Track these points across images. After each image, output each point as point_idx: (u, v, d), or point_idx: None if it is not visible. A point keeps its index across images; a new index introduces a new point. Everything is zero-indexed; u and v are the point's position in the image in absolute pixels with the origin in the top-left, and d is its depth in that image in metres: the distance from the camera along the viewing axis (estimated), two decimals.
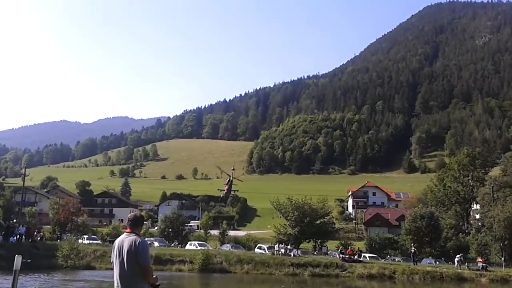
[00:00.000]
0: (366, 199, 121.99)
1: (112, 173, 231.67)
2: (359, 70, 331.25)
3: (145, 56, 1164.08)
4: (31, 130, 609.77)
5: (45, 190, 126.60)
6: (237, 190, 28.81)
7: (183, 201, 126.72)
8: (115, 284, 5.94)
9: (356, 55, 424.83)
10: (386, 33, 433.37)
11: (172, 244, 62.70)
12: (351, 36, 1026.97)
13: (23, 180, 64.54)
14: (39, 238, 53.66)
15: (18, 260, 13.43)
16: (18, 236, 48.05)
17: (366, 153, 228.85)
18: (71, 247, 44.04)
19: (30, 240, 48.36)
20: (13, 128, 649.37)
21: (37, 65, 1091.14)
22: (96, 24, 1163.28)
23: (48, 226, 66.29)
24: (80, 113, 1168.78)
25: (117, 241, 6.09)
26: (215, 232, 75.02)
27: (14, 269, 13.37)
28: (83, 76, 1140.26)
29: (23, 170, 75.32)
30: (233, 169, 33.74)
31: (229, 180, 25.53)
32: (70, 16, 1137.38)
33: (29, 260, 29.64)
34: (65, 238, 56.82)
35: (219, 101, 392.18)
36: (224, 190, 26.18)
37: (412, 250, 49.17)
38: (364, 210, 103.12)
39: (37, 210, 74.57)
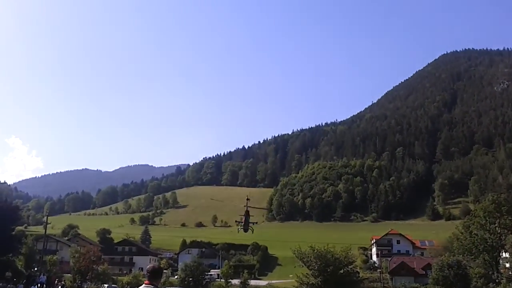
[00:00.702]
0: (390, 247, 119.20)
1: (133, 220, 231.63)
2: (377, 117, 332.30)
3: (165, 105, 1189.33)
4: (53, 179, 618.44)
5: (66, 238, 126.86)
6: (256, 222, 28.26)
7: (203, 249, 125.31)
8: None
9: (373, 102, 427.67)
10: (403, 80, 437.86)
11: None
12: (368, 84, 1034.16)
13: (45, 228, 64.72)
14: (60, 287, 53.47)
15: None
16: (39, 285, 47.96)
17: (388, 200, 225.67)
18: None
19: None
20: (35, 177, 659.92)
21: (58, 114, 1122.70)
22: (114, 75, 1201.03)
23: (69, 274, 66.02)
24: (101, 161, 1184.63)
25: None
26: (235, 281, 73.75)
27: None
28: (103, 125, 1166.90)
29: (45, 218, 75.99)
30: (248, 199, 33.46)
31: (245, 212, 24.93)
32: (91, 68, 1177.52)
33: None
34: (85, 286, 56.54)
35: (238, 148, 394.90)
36: (241, 222, 25.64)
37: None
38: (389, 259, 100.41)
39: (58, 259, 74.59)
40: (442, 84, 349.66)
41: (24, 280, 48.36)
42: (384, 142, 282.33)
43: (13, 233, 55.80)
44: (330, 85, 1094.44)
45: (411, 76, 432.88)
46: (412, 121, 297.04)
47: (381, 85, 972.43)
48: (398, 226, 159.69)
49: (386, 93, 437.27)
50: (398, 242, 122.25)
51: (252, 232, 28.14)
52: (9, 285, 43.52)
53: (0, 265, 49.89)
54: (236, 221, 26.92)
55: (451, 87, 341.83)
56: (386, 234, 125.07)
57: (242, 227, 26.13)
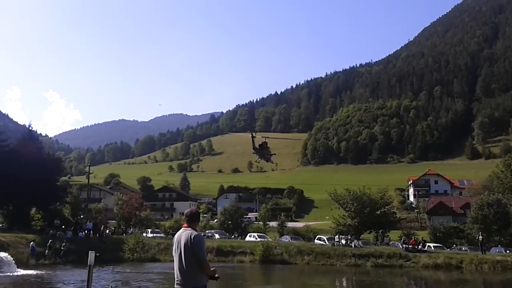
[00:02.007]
0: (427, 188, 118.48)
1: (171, 168, 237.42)
2: (414, 55, 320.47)
3: (197, 53, 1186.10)
4: (91, 130, 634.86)
5: (109, 186, 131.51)
6: (275, 154, 27.20)
7: (240, 194, 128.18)
8: (175, 276, 6.11)
9: (410, 40, 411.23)
10: (440, 16, 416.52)
11: (232, 236, 63.54)
12: (404, 21, 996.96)
13: (88, 178, 67.09)
14: (110, 232, 55.95)
15: (91, 255, 13.88)
16: (86, 231, 50.23)
17: (426, 140, 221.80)
18: (136, 240, 45.61)
19: (97, 235, 50.47)
20: (75, 129, 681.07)
21: (95, 67, 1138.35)
22: (148, 26, 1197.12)
23: (113, 221, 68.87)
24: (137, 111, 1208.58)
25: (176, 236, 6.27)
26: (273, 223, 75.37)
27: (88, 264, 13.81)
28: (138, 76, 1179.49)
29: (87, 168, 78.61)
30: (253, 136, 32.65)
31: (260, 145, 23.39)
32: (126, 20, 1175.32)
33: (97, 254, 30.78)
34: (129, 232, 58.94)
35: (271, 94, 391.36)
36: (258, 153, 24.32)
37: (480, 239, 47.25)
38: (426, 199, 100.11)
39: (103, 206, 77.66)
40: (482, 18, 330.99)
41: (72, 227, 50.66)
42: (421, 81, 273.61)
43: (58, 183, 57.91)
44: (363, 24, 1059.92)
45: (449, 11, 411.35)
46: (450, 58, 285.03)
47: (418, 21, 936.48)
48: (436, 166, 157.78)
49: (423, 29, 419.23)
50: (436, 182, 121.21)
51: (272, 162, 28.25)
52: (58, 232, 45.76)
53: (49, 213, 52.33)
54: (253, 152, 26.51)
55: (492, 21, 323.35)
56: (424, 175, 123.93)
57: (260, 158, 25.96)
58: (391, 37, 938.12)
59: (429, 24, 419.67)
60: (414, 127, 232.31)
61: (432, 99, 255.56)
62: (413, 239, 50.94)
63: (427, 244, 51.49)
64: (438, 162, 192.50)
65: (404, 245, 47.84)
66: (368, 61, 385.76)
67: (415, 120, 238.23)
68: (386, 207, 57.08)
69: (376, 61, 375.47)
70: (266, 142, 26.40)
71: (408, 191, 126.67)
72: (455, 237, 62.51)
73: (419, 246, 47.01)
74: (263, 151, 26.29)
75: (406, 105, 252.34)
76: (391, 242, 55.54)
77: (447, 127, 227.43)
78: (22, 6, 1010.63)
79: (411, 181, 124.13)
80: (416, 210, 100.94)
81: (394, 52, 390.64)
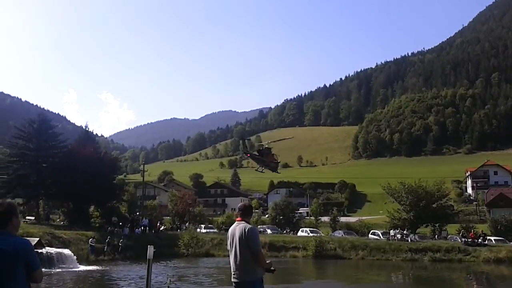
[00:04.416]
0: (486, 179, 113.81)
1: (222, 164, 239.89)
2: (469, 41, 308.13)
3: (244, 50, 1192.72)
4: (145, 129, 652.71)
5: (163, 184, 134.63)
6: (279, 161, 24.53)
7: (291, 189, 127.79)
8: (232, 269, 6.19)
9: (464, 26, 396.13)
10: None
11: (284, 231, 63.50)
12: (457, 6, 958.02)
13: (143, 176, 68.79)
14: (165, 228, 57.32)
15: (150, 250, 14.26)
16: (142, 228, 51.62)
17: (484, 129, 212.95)
18: (191, 236, 46.44)
19: (153, 231, 51.78)
20: (129, 129, 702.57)
21: (147, 69, 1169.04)
22: (198, 25, 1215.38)
23: (168, 217, 70.44)
24: (188, 110, 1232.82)
25: (230, 230, 6.37)
26: (325, 218, 74.70)
27: (147, 258, 14.20)
28: (188, 75, 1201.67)
29: (141, 166, 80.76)
30: (245, 140, 30.20)
31: (263, 150, 20.52)
32: (177, 19, 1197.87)
33: (154, 250, 31.42)
34: (184, 228, 60.14)
35: (319, 87, 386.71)
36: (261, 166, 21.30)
37: None
38: (485, 191, 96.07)
39: (159, 203, 79.64)
40: None
41: (129, 224, 52.18)
42: (478, 68, 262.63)
43: (115, 182, 59.86)
44: (415, 11, 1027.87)
45: None
46: (508, 43, 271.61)
47: (472, 6, 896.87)
48: (495, 156, 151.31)
49: (478, 14, 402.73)
50: (495, 173, 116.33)
51: (278, 172, 25.94)
52: (116, 229, 47.35)
53: (107, 211, 54.22)
54: (256, 169, 24.02)
55: None
56: (482, 166, 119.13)
57: (261, 166, 23.58)
58: (444, 23, 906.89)
59: (485, 8, 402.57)
60: (470, 116, 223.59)
61: (489, 87, 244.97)
62: (472, 233, 49.00)
63: (488, 237, 49.39)
64: (498, 152, 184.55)
65: (463, 239, 46.15)
66: (420, 50, 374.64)
67: (472, 109, 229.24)
68: (442, 199, 55.13)
69: (428, 49, 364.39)
70: (270, 148, 24.43)
71: (465, 183, 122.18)
72: None
73: (479, 240, 45.18)
74: (264, 158, 24.43)
75: (462, 94, 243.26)
76: (449, 236, 53.72)
77: (506, 115, 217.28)
78: (78, 10, 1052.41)
79: (468, 172, 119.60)
80: (474, 203, 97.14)
81: (447, 39, 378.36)
